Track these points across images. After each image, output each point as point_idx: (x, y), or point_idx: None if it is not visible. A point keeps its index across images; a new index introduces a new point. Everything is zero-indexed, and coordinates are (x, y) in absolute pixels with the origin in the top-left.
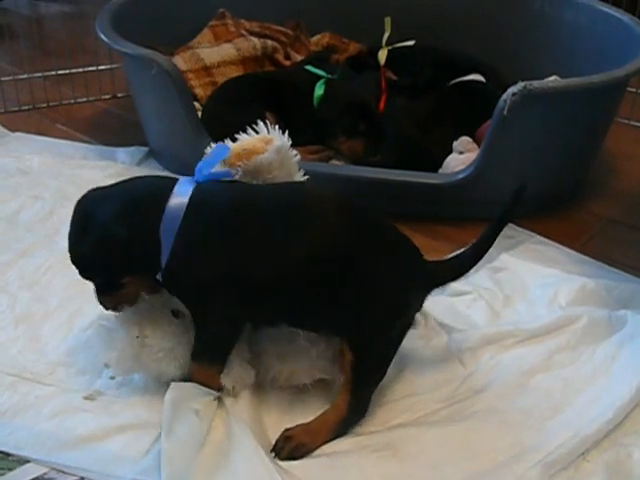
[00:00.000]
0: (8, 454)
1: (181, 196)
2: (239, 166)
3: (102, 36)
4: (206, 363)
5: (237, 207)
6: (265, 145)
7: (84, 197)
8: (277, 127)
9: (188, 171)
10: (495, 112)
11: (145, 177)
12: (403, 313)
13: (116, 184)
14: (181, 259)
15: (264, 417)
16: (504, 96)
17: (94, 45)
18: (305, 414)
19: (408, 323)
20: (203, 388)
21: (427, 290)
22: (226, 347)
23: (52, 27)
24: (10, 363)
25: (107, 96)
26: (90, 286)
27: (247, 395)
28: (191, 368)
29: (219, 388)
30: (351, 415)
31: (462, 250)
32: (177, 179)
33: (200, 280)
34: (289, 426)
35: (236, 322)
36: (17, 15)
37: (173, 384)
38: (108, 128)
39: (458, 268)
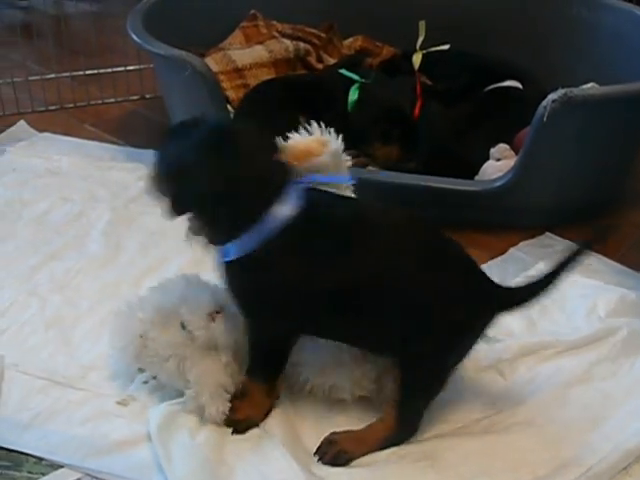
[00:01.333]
0: (41, 459)
1: (294, 200)
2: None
3: (134, 36)
4: (259, 380)
5: (349, 224)
6: (321, 147)
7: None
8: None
9: None
10: (534, 119)
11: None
12: (458, 332)
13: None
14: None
15: (299, 426)
16: (544, 103)
17: (122, 45)
18: (343, 424)
19: (469, 344)
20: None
21: (492, 312)
22: (277, 361)
23: (78, 26)
24: (41, 366)
25: (135, 97)
26: (121, 291)
27: (280, 405)
28: (245, 384)
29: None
30: (400, 431)
31: (534, 280)
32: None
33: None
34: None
35: (288, 336)
36: (43, 14)
37: (150, 413)
38: (136, 129)
39: (527, 295)
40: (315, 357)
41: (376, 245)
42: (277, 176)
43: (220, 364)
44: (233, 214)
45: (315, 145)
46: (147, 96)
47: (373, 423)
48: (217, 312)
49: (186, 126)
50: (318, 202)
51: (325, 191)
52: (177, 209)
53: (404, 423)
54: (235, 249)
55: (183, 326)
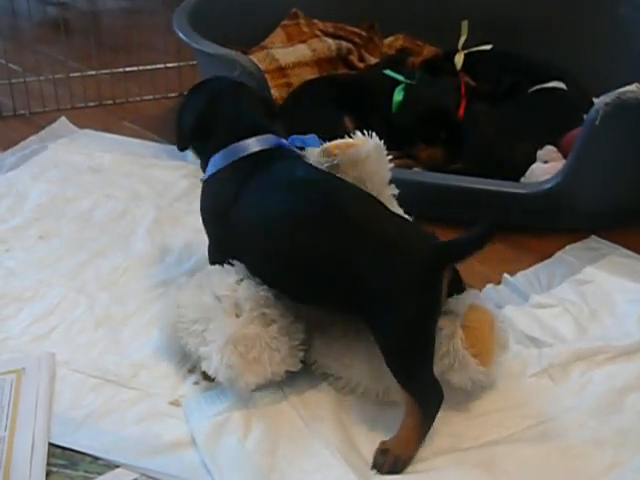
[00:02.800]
0: (97, 458)
1: (257, 144)
2: (336, 155)
3: (181, 35)
4: None
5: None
6: (364, 142)
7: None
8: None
9: None
10: (586, 122)
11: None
12: (405, 289)
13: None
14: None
15: (352, 431)
16: (596, 105)
17: (157, 41)
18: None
19: (425, 300)
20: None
21: (435, 264)
22: None
23: (111, 23)
24: (92, 365)
25: (173, 94)
26: (169, 290)
27: (332, 409)
28: None
29: None
30: (423, 409)
31: (471, 233)
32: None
33: None
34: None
35: None
36: (76, 10)
37: (193, 422)
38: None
39: (467, 247)
40: (366, 360)
41: (301, 198)
42: (248, 121)
43: (237, 323)
44: (207, 146)
45: (358, 141)
46: (185, 93)
47: (403, 419)
48: (241, 279)
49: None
50: (278, 154)
51: (296, 154)
52: (180, 143)
53: (421, 399)
54: (205, 175)
55: (214, 295)
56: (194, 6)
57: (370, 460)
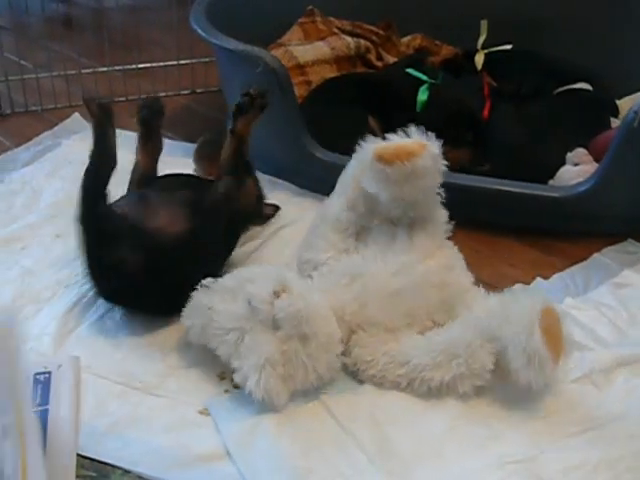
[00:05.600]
0: (128, 470)
1: None
2: (394, 165)
3: (199, 31)
4: None
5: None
6: (422, 149)
7: None
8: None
9: (281, 173)
10: (623, 124)
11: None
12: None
13: None
14: None
15: (390, 431)
16: (634, 107)
17: (172, 39)
18: (440, 424)
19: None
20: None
21: None
22: None
23: (117, 19)
24: (116, 370)
25: (186, 91)
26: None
27: (369, 408)
28: None
29: None
30: None
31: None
32: None
33: None
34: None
35: None
36: (83, 7)
37: (223, 429)
38: (189, 124)
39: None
40: (425, 351)
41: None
42: None
43: (274, 341)
44: None
45: (416, 147)
46: (198, 90)
47: None
48: (283, 291)
49: None
50: None
51: None
52: None
53: None
54: None
55: (249, 302)
56: (210, 3)
57: (408, 463)
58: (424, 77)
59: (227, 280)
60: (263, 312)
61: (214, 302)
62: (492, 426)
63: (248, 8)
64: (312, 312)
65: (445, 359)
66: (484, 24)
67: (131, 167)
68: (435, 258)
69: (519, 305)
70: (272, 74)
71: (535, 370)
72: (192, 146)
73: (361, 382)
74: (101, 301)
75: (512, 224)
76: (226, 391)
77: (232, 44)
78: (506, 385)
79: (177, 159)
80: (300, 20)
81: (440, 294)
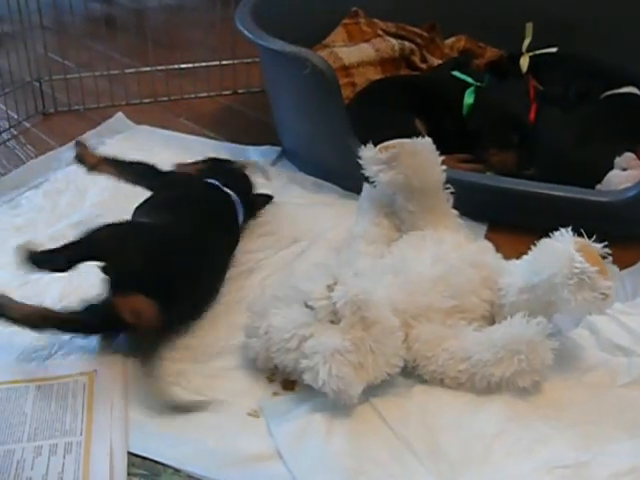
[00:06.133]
0: (178, 470)
1: None
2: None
3: (246, 32)
4: None
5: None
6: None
7: None
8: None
9: (327, 175)
10: None
11: None
12: None
13: None
14: None
15: (438, 433)
16: None
17: (213, 39)
18: (489, 428)
19: None
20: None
21: None
22: None
23: (156, 19)
24: (165, 369)
25: (228, 92)
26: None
27: (420, 410)
28: None
29: None
30: None
31: None
32: None
33: None
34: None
35: None
36: (124, 7)
37: (274, 429)
38: (232, 124)
39: None
40: (486, 347)
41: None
42: None
43: (338, 333)
44: None
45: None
46: (239, 91)
47: None
48: (334, 283)
49: None
50: None
51: None
52: None
53: None
54: None
55: (305, 304)
56: (255, 3)
57: (457, 466)
58: (470, 80)
59: (276, 291)
60: (321, 309)
61: (268, 321)
62: (540, 430)
63: (291, 9)
64: (369, 297)
65: (507, 355)
66: (529, 27)
67: (166, 165)
68: (467, 246)
69: (552, 245)
70: (320, 76)
71: (588, 290)
72: (235, 146)
73: (412, 383)
74: None
75: (558, 229)
76: (275, 393)
77: (279, 45)
78: (554, 389)
79: None
80: (344, 21)
81: (480, 272)
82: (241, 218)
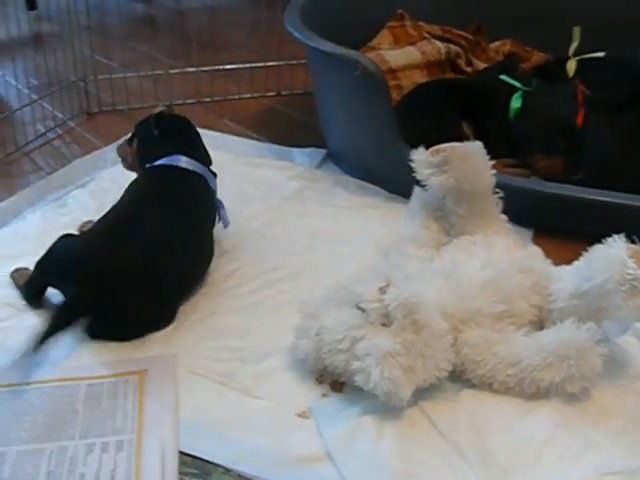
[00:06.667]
0: (228, 469)
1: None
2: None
3: (296, 34)
4: None
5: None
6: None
7: None
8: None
9: (372, 178)
10: None
11: None
12: None
13: None
14: None
15: (486, 437)
16: None
17: (256, 40)
18: (538, 431)
19: None
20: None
21: None
22: None
23: (198, 20)
24: (214, 370)
25: (271, 93)
26: (289, 296)
27: (468, 413)
28: None
29: None
30: None
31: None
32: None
33: None
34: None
35: None
36: (163, 8)
37: (324, 430)
38: (276, 126)
39: None
40: (536, 352)
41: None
42: (169, 145)
43: (389, 336)
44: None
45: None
46: (283, 93)
47: None
48: (386, 285)
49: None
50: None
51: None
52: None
53: None
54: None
55: (357, 306)
56: (304, 5)
57: (507, 470)
58: (517, 84)
59: (327, 292)
60: (373, 312)
61: (320, 322)
62: (589, 436)
63: (337, 11)
64: (420, 300)
65: (556, 360)
66: (576, 30)
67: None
68: (517, 251)
69: (604, 251)
70: (370, 78)
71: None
72: (279, 148)
73: (460, 387)
74: (202, 302)
75: (606, 235)
76: (324, 395)
77: (329, 47)
78: (603, 396)
79: (266, 160)
80: (389, 24)
81: (529, 277)
82: (213, 185)
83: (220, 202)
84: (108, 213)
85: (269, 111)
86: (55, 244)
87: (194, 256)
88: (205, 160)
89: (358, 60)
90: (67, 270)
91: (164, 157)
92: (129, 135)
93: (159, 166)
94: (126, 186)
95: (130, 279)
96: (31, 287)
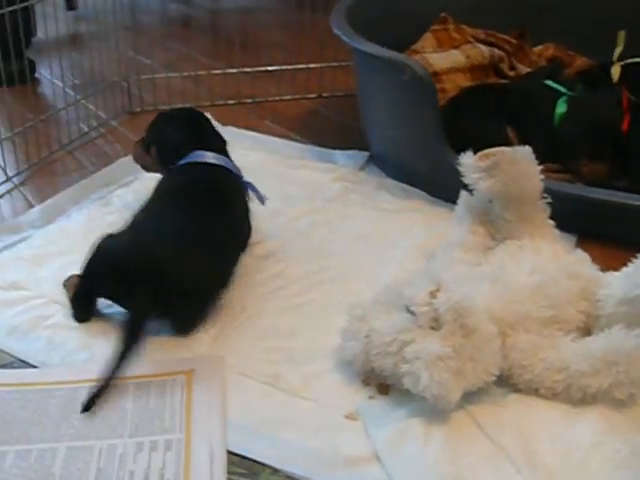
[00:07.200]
0: (276, 469)
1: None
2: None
3: (343, 36)
4: None
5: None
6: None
7: None
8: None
9: (415, 181)
10: None
11: None
12: None
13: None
14: None
15: (534, 442)
16: None
17: (296, 42)
18: (586, 436)
19: None
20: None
21: None
22: None
23: (235, 20)
24: (261, 371)
25: (312, 95)
26: (336, 298)
27: (515, 418)
28: None
29: None
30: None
31: None
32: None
33: None
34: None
35: None
36: (199, 8)
37: (372, 432)
38: (318, 128)
39: None
40: (584, 358)
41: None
42: (191, 143)
43: (439, 340)
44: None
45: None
46: (324, 95)
47: None
48: (437, 289)
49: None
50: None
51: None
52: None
53: None
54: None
55: (407, 309)
56: (349, 7)
57: (554, 476)
58: (563, 89)
59: (376, 295)
60: (422, 315)
61: (369, 324)
62: (637, 443)
63: (383, 13)
64: (470, 304)
65: (604, 366)
66: (621, 35)
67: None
68: (564, 257)
69: None
70: (418, 82)
71: None
72: (322, 150)
73: (507, 391)
74: (249, 302)
75: None
76: (370, 397)
77: (377, 50)
78: None
79: (308, 162)
80: (432, 27)
81: (578, 283)
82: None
83: (249, 183)
84: (142, 213)
85: (310, 113)
86: (99, 249)
87: (237, 236)
88: (222, 147)
89: (407, 64)
90: (132, 273)
91: (187, 155)
92: (139, 140)
93: (185, 164)
94: None
95: (195, 264)
96: (79, 298)
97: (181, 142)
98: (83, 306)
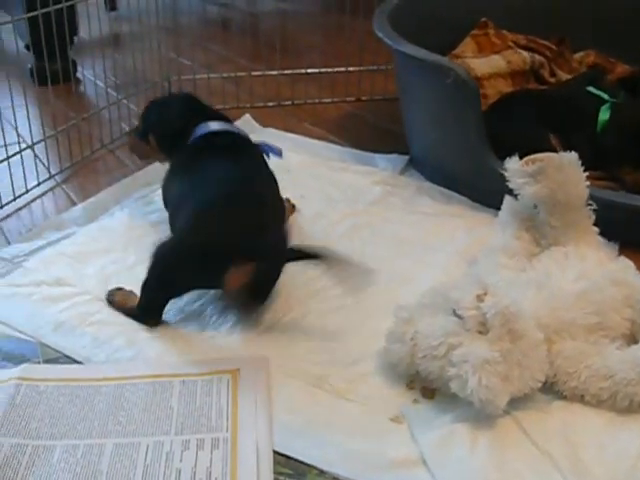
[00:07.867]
0: (322, 471)
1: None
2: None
3: (386, 40)
4: None
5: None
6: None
7: None
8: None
9: (456, 186)
10: None
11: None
12: None
13: None
14: None
15: (580, 450)
16: None
17: (334, 45)
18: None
19: None
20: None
21: None
22: None
23: (272, 23)
24: (306, 372)
25: (351, 98)
26: (379, 302)
27: (560, 424)
28: None
29: None
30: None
31: None
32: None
33: None
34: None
35: None
36: (237, 10)
37: (419, 435)
38: (357, 131)
39: None
40: (631, 366)
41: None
42: (193, 119)
43: (486, 344)
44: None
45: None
46: (363, 98)
47: None
48: (484, 293)
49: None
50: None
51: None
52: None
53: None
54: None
55: (454, 312)
56: (392, 10)
57: None
58: (605, 96)
59: (422, 298)
60: (470, 319)
61: (415, 327)
62: None
63: (424, 16)
64: (518, 310)
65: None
66: None
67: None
68: (608, 264)
69: None
70: (462, 86)
71: None
72: (361, 153)
73: (552, 398)
74: (293, 304)
75: None
76: (415, 401)
77: (421, 53)
78: None
79: (349, 165)
80: (472, 32)
81: (623, 290)
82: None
83: (262, 142)
84: (184, 198)
85: (349, 116)
86: (163, 255)
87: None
88: (224, 116)
89: (451, 67)
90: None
91: (193, 132)
92: (133, 129)
93: (199, 138)
94: None
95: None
96: (152, 305)
97: (183, 122)
98: (158, 310)
